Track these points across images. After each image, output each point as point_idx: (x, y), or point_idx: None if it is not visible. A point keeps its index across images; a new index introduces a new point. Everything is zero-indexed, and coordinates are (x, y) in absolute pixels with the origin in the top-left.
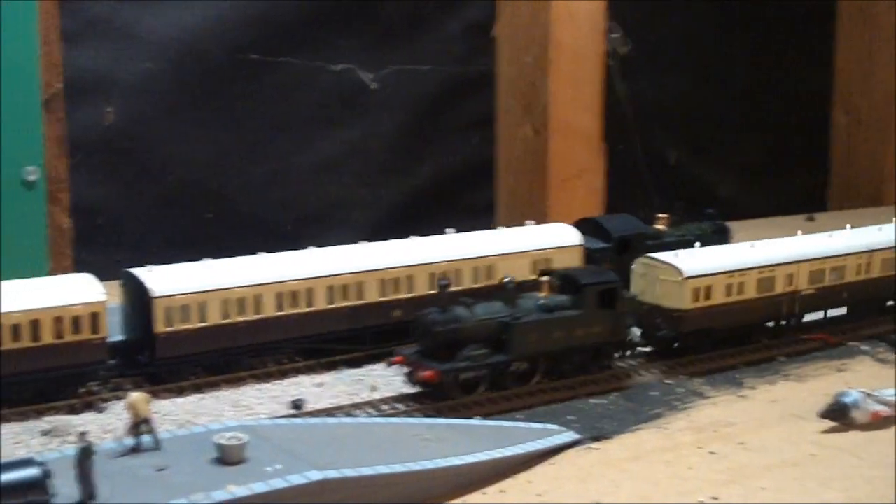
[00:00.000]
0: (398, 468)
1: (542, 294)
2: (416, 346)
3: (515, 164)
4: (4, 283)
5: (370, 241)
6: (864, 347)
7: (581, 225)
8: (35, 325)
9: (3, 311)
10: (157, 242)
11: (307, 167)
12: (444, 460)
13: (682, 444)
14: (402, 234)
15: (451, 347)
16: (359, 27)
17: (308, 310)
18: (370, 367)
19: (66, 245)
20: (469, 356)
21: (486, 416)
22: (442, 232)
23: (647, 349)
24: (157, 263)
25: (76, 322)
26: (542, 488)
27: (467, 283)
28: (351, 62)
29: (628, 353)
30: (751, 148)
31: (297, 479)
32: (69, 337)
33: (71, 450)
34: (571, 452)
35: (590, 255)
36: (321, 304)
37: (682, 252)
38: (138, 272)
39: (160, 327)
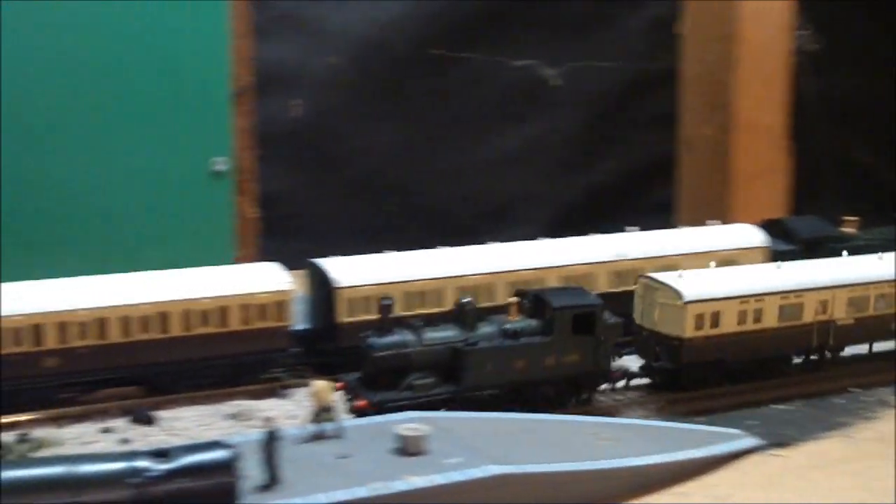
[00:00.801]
0: (578, 466)
1: (512, 317)
2: (360, 372)
3: (697, 163)
4: (195, 269)
5: (549, 237)
6: None
7: (766, 226)
8: (223, 311)
9: (194, 296)
10: (340, 233)
11: (487, 162)
12: (625, 460)
13: (869, 455)
14: (581, 230)
15: (395, 375)
16: (542, 23)
17: (488, 304)
18: None
19: (252, 234)
20: (413, 385)
21: (665, 416)
22: (621, 230)
23: (647, 381)
24: (339, 254)
25: (262, 310)
26: (725, 492)
27: None
28: (533, 58)
29: (617, 385)
30: None
31: (476, 473)
32: (255, 324)
33: (256, 434)
34: (754, 458)
35: (775, 257)
36: (501, 299)
37: (688, 272)
38: (323, 262)
39: (342, 317)
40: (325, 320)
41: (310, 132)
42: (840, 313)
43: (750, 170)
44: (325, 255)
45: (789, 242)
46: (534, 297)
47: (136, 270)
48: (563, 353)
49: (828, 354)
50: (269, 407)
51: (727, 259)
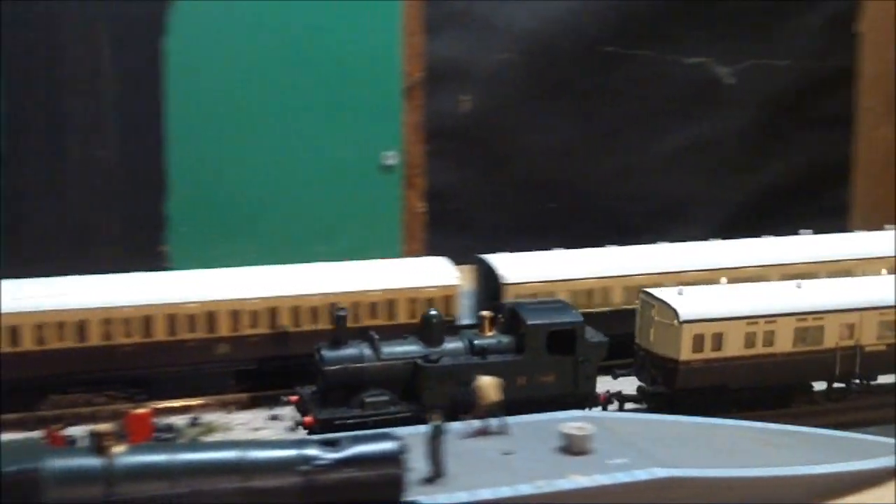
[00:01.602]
0: (746, 473)
1: (488, 333)
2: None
3: (874, 165)
4: (364, 262)
5: (718, 238)
6: None
7: None
8: (391, 304)
9: (363, 289)
10: (506, 229)
11: (656, 161)
12: (795, 469)
13: None
14: (751, 232)
15: (348, 391)
16: (716, 20)
17: None
18: None
19: (419, 228)
20: (365, 402)
21: (827, 426)
22: (794, 232)
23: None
24: (505, 250)
25: (430, 304)
26: None
27: None
28: (706, 55)
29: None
30: None
31: (641, 475)
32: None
33: (423, 427)
34: None
35: None
36: None
37: (690, 288)
38: (490, 258)
39: None
40: None
41: (478, 128)
42: (869, 338)
43: None
44: (491, 251)
45: None
46: (509, 312)
47: (305, 262)
48: (536, 373)
49: (855, 383)
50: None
51: None
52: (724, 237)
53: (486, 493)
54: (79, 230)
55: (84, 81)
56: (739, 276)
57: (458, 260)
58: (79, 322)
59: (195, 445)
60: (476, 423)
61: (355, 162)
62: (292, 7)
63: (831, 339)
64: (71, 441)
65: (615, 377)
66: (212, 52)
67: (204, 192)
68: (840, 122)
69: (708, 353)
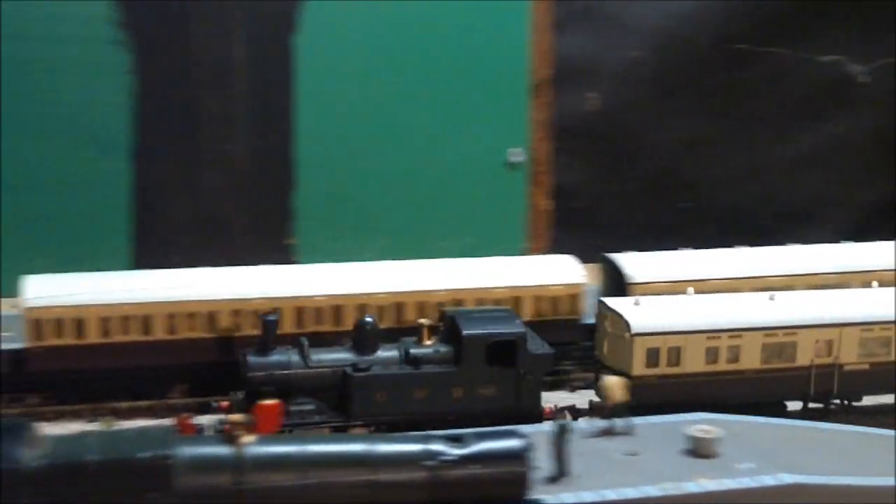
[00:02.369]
0: (874, 482)
1: (427, 342)
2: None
3: None
4: (489, 258)
5: (852, 240)
6: None
7: None
8: (517, 302)
9: (488, 286)
10: (632, 228)
11: (788, 161)
12: None
13: None
14: (886, 235)
15: (277, 398)
16: (852, 18)
17: None
18: None
19: (544, 226)
20: (289, 411)
21: None
22: None
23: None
24: (631, 249)
25: (555, 302)
26: None
27: None
28: (841, 54)
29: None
30: None
31: (768, 481)
32: (547, 315)
33: (548, 426)
34: None
35: None
36: None
37: (648, 298)
38: (616, 257)
39: None
40: None
41: (606, 126)
42: (849, 356)
43: None
44: (616, 250)
45: None
46: (448, 320)
47: (431, 257)
48: (475, 385)
49: (834, 403)
50: (559, 399)
51: None
52: (857, 240)
53: (611, 494)
54: (209, 223)
55: (216, 78)
56: (883, 279)
57: (583, 258)
58: (208, 314)
59: (323, 437)
60: (601, 423)
61: (482, 159)
62: (421, 6)
63: (805, 357)
64: (200, 429)
65: (572, 390)
66: (341, 50)
67: (332, 186)
68: None
69: (664, 369)
